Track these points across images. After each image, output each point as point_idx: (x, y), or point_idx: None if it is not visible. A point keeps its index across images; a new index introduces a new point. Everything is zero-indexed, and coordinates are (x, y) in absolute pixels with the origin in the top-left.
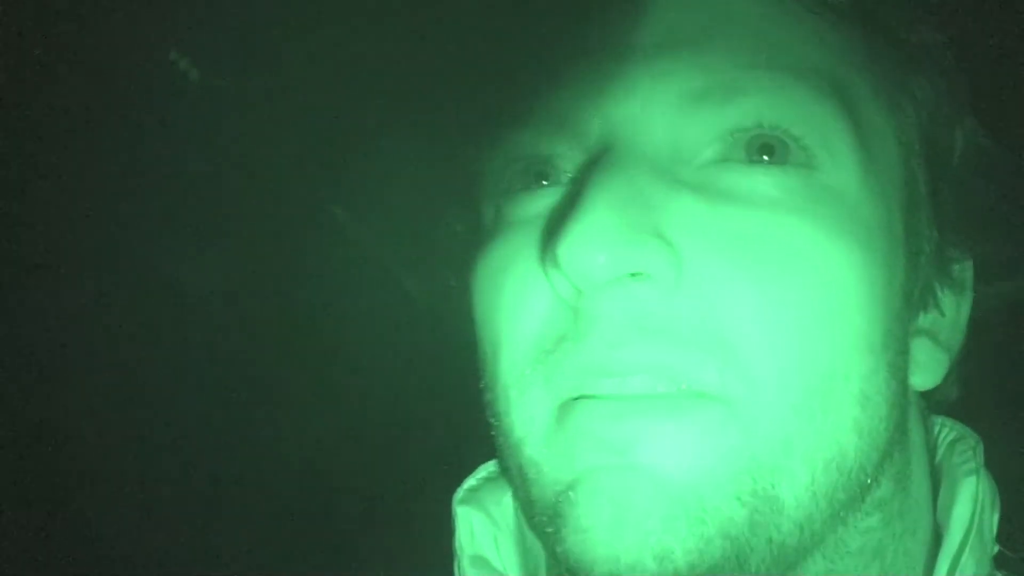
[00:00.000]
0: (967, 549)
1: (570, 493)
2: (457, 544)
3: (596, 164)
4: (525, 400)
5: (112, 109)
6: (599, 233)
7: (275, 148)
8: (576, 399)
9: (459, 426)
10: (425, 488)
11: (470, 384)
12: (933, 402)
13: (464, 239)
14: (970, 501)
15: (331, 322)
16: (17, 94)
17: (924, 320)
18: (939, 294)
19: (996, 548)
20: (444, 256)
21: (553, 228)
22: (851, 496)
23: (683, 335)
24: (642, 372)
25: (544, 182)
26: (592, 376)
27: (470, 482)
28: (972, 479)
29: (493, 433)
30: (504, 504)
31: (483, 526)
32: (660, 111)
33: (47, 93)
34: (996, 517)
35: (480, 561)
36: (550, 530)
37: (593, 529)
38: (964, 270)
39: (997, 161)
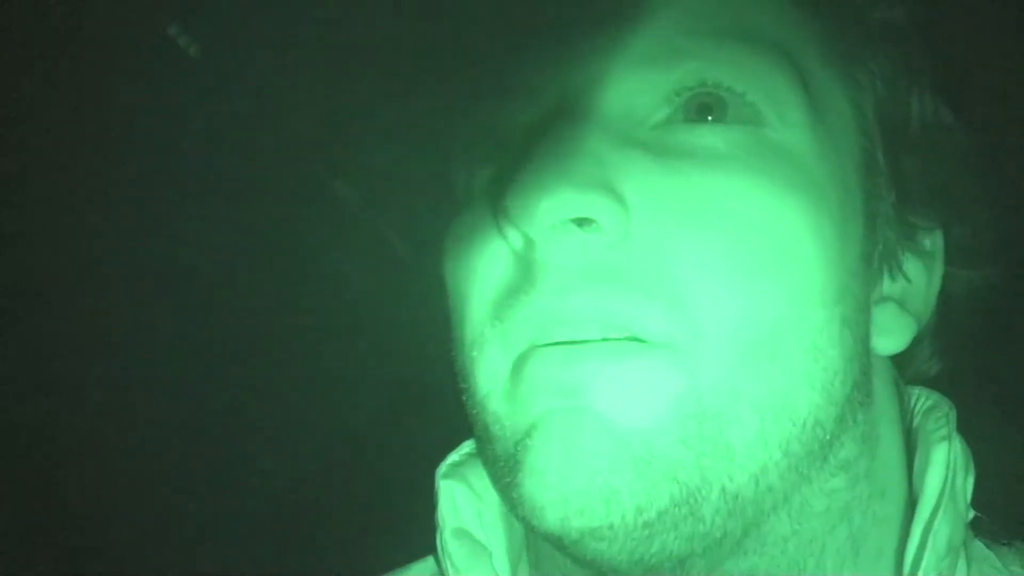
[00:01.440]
0: (940, 513)
1: (527, 440)
2: (439, 517)
3: (548, 122)
4: (485, 357)
5: (111, 85)
6: (544, 181)
7: (263, 129)
8: (530, 349)
9: (452, 411)
10: (418, 473)
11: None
12: (911, 374)
13: (443, 219)
14: (942, 466)
15: (326, 315)
16: (11, 75)
17: (891, 287)
18: (903, 260)
19: (972, 513)
20: (429, 238)
21: (503, 183)
22: (808, 451)
23: (631, 283)
24: (591, 320)
25: (505, 150)
26: (543, 325)
27: (453, 457)
28: (944, 444)
29: (463, 398)
30: (487, 478)
31: (466, 499)
32: (611, 76)
33: (42, 70)
34: (970, 481)
35: (462, 534)
36: (508, 479)
37: (545, 472)
38: (933, 239)
39: (958, 136)
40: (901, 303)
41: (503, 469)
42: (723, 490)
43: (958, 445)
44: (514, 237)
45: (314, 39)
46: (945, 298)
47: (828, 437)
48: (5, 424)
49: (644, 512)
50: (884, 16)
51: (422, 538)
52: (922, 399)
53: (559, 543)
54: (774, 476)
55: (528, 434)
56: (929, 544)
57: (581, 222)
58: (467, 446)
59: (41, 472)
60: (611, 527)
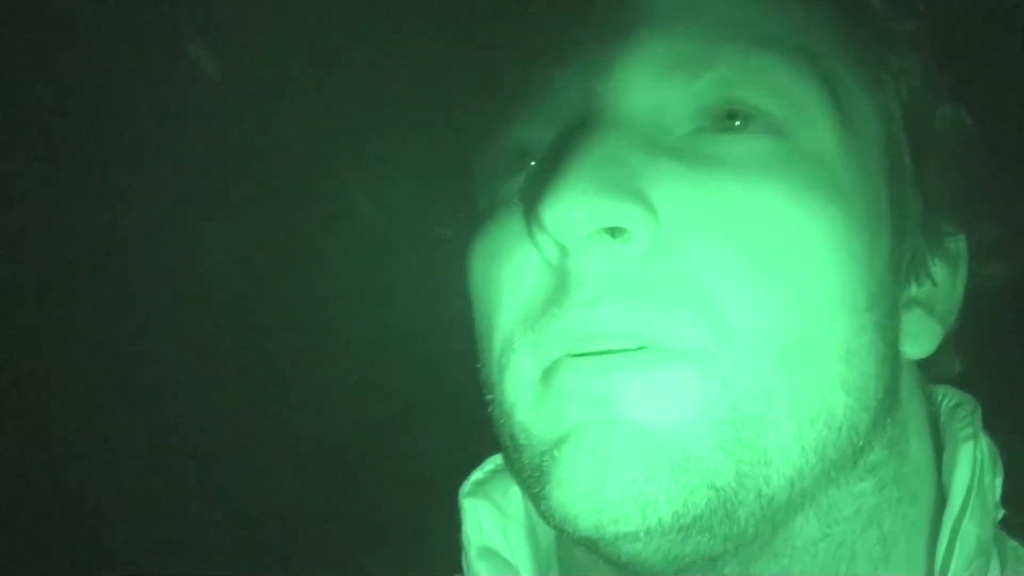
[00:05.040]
0: (967, 513)
1: (555, 451)
2: (464, 537)
3: (577, 131)
4: (514, 366)
5: (127, 103)
6: (580, 190)
7: (279, 144)
8: (560, 360)
9: (469, 422)
10: (434, 485)
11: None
12: (934, 374)
13: (462, 233)
14: (968, 465)
15: (338, 319)
16: (31, 92)
17: (917, 291)
18: (931, 265)
19: (1001, 512)
20: (446, 252)
21: (536, 193)
22: (842, 455)
23: (660, 293)
24: (621, 332)
25: (532, 162)
26: (575, 337)
27: (476, 475)
28: (970, 443)
29: (489, 409)
30: (512, 494)
31: (491, 517)
32: (637, 83)
33: (61, 87)
34: (999, 481)
35: (488, 552)
36: (536, 489)
37: (576, 482)
38: (957, 243)
39: (979, 142)
40: (927, 307)
41: (531, 479)
42: (759, 494)
43: (984, 443)
44: (547, 246)
45: (337, 53)
46: (967, 298)
47: (861, 442)
48: (10, 425)
49: (681, 517)
50: (906, 24)
51: (450, 556)
52: (947, 397)
53: (594, 546)
54: (808, 480)
55: (556, 445)
56: (957, 546)
57: (614, 232)
58: (490, 463)
59: (46, 473)
60: (647, 531)
